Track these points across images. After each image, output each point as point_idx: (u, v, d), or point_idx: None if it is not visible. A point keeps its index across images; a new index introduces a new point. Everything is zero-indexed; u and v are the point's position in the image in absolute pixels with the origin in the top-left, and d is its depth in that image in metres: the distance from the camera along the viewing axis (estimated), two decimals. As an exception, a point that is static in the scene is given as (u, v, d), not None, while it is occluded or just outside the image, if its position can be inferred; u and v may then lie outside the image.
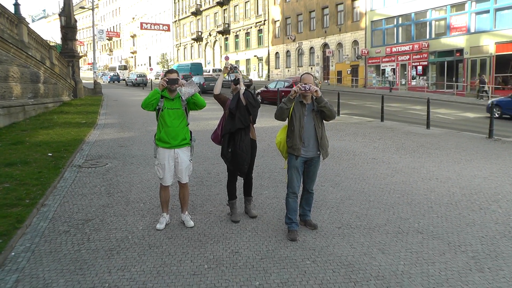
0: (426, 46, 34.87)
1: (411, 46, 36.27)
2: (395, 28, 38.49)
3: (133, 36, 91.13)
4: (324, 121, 5.08)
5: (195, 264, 4.28)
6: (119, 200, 6.44)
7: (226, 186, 5.74)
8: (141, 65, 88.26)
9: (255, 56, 59.10)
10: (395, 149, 10.56)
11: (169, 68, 7.25)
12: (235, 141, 5.28)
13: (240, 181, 5.88)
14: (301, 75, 5.01)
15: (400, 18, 37.68)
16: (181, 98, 5.11)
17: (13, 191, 6.60)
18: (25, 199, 6.22)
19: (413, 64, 36.23)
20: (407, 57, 36.87)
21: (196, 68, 49.53)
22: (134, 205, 6.24)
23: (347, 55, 43.67)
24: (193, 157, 5.43)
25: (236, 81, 5.39)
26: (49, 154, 9.56)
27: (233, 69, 5.51)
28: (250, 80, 41.90)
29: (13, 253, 4.57)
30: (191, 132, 5.35)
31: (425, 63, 35.18)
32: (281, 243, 4.82)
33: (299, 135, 4.93)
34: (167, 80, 5.01)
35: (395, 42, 38.26)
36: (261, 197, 6.55)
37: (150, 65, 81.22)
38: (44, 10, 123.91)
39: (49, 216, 5.73)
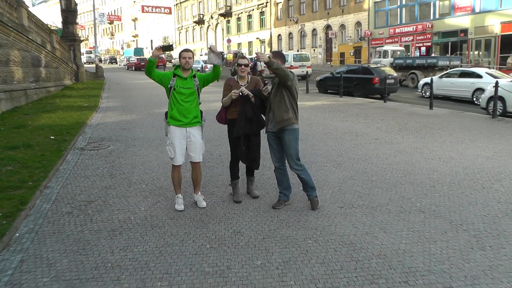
0: (430, 26, 34.50)
1: (414, 27, 35.91)
2: (398, 9, 38.07)
3: (135, 20, 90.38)
4: (287, 91, 5.01)
5: (197, 244, 4.30)
6: (121, 182, 6.46)
7: (229, 167, 5.74)
8: (144, 48, 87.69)
9: (257, 38, 58.62)
10: (397, 130, 10.52)
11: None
12: (251, 140, 5.39)
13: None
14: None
15: (403, -2, 37.21)
16: (193, 78, 5.10)
17: (16, 174, 6.62)
18: (28, 182, 6.24)
19: (417, 45, 35.90)
20: (411, 38, 36.54)
21: (138, 51, 66.31)
22: (136, 186, 6.25)
23: (350, 37, 43.28)
24: (203, 137, 5.41)
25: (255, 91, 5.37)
26: (52, 137, 9.57)
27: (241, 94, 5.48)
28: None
29: (17, 234, 4.60)
30: (202, 112, 5.32)
31: (429, 43, 34.84)
32: (283, 223, 4.83)
33: (268, 111, 5.19)
34: (161, 47, 4.94)
35: (399, 23, 37.88)
36: (263, 178, 6.55)
37: (152, 49, 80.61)
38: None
39: (52, 198, 5.75)
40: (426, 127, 10.89)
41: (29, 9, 19.59)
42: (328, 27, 46.44)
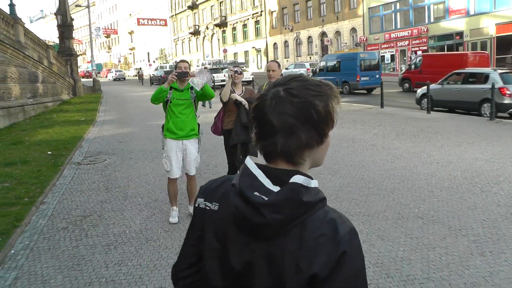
0: (425, 30, 34.65)
1: (410, 31, 36.06)
2: (393, 14, 38.23)
3: (131, 33, 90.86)
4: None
5: (193, 257, 4.24)
6: (117, 195, 6.42)
7: None
8: (140, 61, 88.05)
9: (253, 47, 58.87)
10: (395, 135, 10.50)
11: (180, 60, 6.75)
12: (249, 149, 5.39)
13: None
14: (268, 63, 5.59)
15: (398, 4, 37.43)
16: (190, 90, 5.07)
17: (12, 190, 6.60)
18: (24, 198, 6.21)
19: (413, 49, 36.00)
20: (406, 42, 36.67)
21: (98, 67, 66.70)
22: (132, 199, 6.21)
23: (346, 43, 43.44)
24: (200, 149, 5.39)
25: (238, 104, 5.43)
26: (49, 152, 9.55)
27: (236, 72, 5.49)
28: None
29: (12, 251, 4.57)
30: (199, 124, 5.30)
31: (425, 47, 34.94)
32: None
33: None
34: (176, 74, 4.94)
35: (394, 28, 38.02)
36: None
37: (149, 61, 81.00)
38: (41, 11, 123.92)
39: (48, 214, 5.71)
40: (423, 131, 10.87)
41: (27, 25, 19.74)
42: (323, 34, 46.63)
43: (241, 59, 59.29)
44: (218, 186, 1.20)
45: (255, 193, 1.04)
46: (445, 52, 30.57)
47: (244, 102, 5.36)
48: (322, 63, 26.52)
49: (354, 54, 26.14)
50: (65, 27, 30.02)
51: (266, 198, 1.03)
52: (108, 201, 6.18)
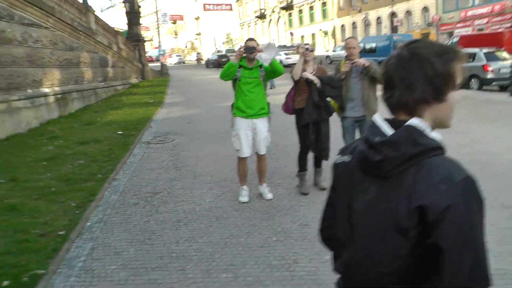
0: (510, 5, 31.65)
1: (490, 7, 33.24)
2: (471, -12, 35.49)
3: (197, 18, 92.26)
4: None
5: (263, 237, 4.17)
6: (186, 174, 6.49)
7: (298, 157, 5.57)
8: (207, 46, 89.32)
9: (320, 30, 57.69)
10: (472, 119, 9.78)
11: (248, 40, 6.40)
12: (321, 129, 5.22)
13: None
14: (346, 40, 5.34)
15: (476, -21, 34.71)
16: (259, 68, 4.96)
17: (86, 167, 6.88)
18: (98, 174, 6.44)
19: (492, 27, 33.29)
20: (485, 20, 33.85)
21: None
22: (201, 178, 6.25)
23: (417, 23, 41.30)
24: (270, 128, 5.26)
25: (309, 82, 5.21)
26: (119, 132, 9.89)
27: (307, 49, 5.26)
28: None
29: (88, 223, 4.74)
30: (269, 103, 5.18)
31: (509, 25, 32.14)
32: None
33: (346, 96, 5.09)
34: (244, 49, 4.85)
35: (471, 5, 35.29)
36: (329, 169, 6.29)
37: (215, 46, 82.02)
38: (111, 0, 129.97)
39: (119, 190, 5.88)
40: (505, 116, 10.04)
41: (98, 14, 20.53)
42: (393, 14, 44.70)
43: (308, 41, 58.41)
44: (352, 143, 1.36)
45: (376, 138, 1.17)
46: (481, 32, 28.50)
47: (316, 80, 5.14)
48: (361, 45, 25.76)
49: (388, 36, 28.60)
50: (133, 13, 30.98)
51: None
52: (178, 179, 6.25)
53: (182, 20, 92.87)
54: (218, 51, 50.10)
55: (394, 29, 44.60)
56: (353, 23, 51.20)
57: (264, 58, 4.83)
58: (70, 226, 4.54)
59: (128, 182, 6.22)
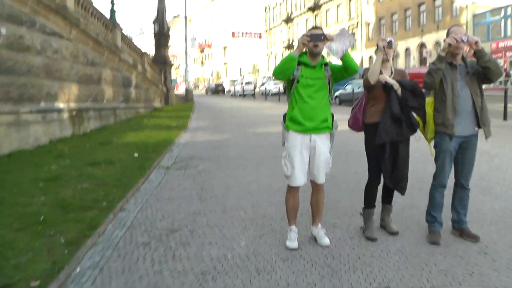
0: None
1: (522, 39, 31.97)
2: (502, 20, 34.37)
3: (224, 48, 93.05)
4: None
5: (330, 305, 2.75)
6: (213, 207, 5.10)
7: (365, 190, 4.19)
8: (232, 76, 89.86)
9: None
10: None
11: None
12: (398, 151, 3.92)
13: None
14: (449, 28, 4.00)
15: (509, 9, 33.49)
16: (324, 67, 3.69)
17: (91, 192, 5.61)
18: (102, 202, 5.16)
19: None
20: (517, 51, 32.56)
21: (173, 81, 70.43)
22: (233, 213, 4.84)
23: (447, 55, 39.95)
24: (333, 149, 3.88)
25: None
26: (136, 154, 8.67)
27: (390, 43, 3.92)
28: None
29: (78, 269, 3.42)
30: (333, 114, 3.81)
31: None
32: (448, 275, 3.16)
33: (453, 107, 3.75)
34: (310, 35, 3.55)
35: (502, 36, 34.10)
36: (394, 207, 4.82)
37: (241, 75, 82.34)
38: (141, 29, 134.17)
39: (127, 223, 4.55)
40: None
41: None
42: (422, 45, 43.51)
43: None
44: None
45: None
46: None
47: (397, 85, 3.83)
48: None
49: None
50: (162, 35, 30.52)
51: None
52: (203, 213, 4.87)
53: (210, 48, 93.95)
54: (241, 82, 49.81)
55: (423, 61, 43.34)
56: (382, 53, 50.15)
57: (334, 49, 3.50)
58: (50, 273, 3.25)
59: (139, 214, 4.88)
